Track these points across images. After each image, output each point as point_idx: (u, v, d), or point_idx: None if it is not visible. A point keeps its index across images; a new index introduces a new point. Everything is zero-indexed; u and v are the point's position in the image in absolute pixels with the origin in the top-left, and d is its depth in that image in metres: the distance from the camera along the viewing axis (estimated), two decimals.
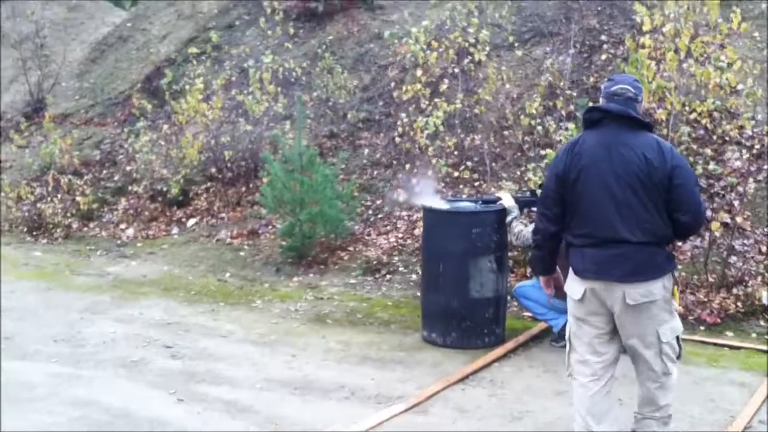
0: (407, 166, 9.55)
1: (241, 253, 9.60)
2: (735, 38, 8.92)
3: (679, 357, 4.37)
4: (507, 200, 6.72)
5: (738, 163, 7.90)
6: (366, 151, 10.49)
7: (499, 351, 6.47)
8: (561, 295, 5.00)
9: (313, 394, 5.75)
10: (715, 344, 6.56)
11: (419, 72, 10.05)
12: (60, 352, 6.68)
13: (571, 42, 10.03)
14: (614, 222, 4.15)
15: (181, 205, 11.00)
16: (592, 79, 9.53)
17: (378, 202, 9.82)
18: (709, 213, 7.07)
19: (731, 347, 6.50)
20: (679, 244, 7.28)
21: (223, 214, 10.56)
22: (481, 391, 5.78)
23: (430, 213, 6.90)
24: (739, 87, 8.23)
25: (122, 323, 7.45)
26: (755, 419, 5.22)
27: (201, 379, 6.07)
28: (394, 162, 10.07)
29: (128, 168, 11.64)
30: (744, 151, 8.08)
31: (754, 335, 6.73)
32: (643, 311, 4.19)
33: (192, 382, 6.01)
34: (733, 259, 7.35)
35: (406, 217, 9.41)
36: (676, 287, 4.32)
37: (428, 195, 7.23)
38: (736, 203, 7.56)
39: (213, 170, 10.93)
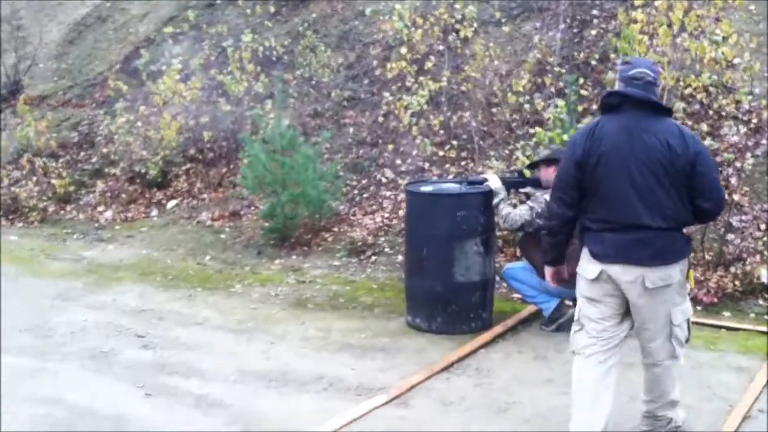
0: (390, 147, 9.26)
1: (222, 236, 9.31)
2: (730, 11, 8.63)
3: (687, 341, 4.37)
4: (494, 181, 6.44)
5: (735, 138, 7.64)
6: (351, 130, 10.19)
7: (487, 336, 6.20)
8: (566, 284, 4.86)
9: (290, 387, 5.46)
10: (712, 326, 6.32)
11: (404, 49, 9.77)
12: (25, 344, 6.37)
13: (560, 17, 9.73)
14: (636, 208, 4.12)
15: (161, 187, 10.72)
16: (582, 55, 9.23)
17: (363, 181, 9.54)
18: None
19: (729, 329, 6.26)
20: None
21: (204, 196, 10.29)
22: (467, 380, 5.50)
23: (413, 195, 6.63)
24: (736, 61, 7.98)
25: (94, 310, 7.16)
26: (754, 408, 4.96)
27: (172, 371, 5.77)
28: (380, 141, 9.79)
29: (106, 150, 11.36)
30: (741, 126, 7.83)
31: (752, 315, 6.50)
32: (659, 294, 4.17)
33: (162, 374, 5.72)
34: (730, 236, 7.12)
35: (392, 197, 9.15)
36: (690, 270, 4.32)
37: None
38: (733, 179, 7.30)
39: (193, 151, 10.66)
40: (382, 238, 8.56)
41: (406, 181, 8.19)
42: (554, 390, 5.24)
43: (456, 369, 5.67)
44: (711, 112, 8.07)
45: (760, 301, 6.64)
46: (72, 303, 7.43)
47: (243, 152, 9.36)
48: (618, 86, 4.32)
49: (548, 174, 6.27)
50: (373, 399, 5.16)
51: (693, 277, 4.50)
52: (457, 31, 9.81)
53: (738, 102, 7.97)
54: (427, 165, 9.10)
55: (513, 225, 6.20)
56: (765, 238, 7.13)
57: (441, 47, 9.94)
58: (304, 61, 11.10)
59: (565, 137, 7.20)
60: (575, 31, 9.66)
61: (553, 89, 8.86)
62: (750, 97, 7.95)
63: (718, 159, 7.42)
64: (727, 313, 6.52)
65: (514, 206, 6.39)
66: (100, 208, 10.73)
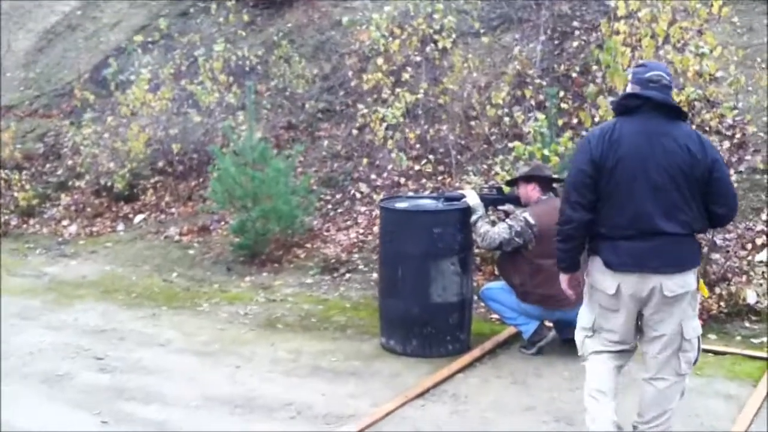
0: (365, 161, 9.01)
1: (190, 251, 9.01)
2: (714, 24, 8.49)
3: (695, 362, 4.27)
4: (471, 198, 6.17)
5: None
6: (326, 142, 9.94)
7: (464, 360, 5.93)
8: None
9: (256, 414, 5.16)
10: None
11: (380, 60, 9.53)
12: None
13: (541, 28, 9.54)
14: (653, 214, 4.03)
15: (128, 201, 10.44)
16: (563, 67, 9.05)
17: (338, 196, 9.27)
18: None
19: (716, 353, 6.00)
20: None
21: (173, 210, 10.00)
22: (442, 407, 5.21)
23: (387, 212, 6.35)
24: (719, 74, 7.81)
25: (53, 331, 6.85)
26: None
27: (130, 396, 5.45)
28: (355, 154, 9.53)
29: (72, 162, 11.06)
30: (725, 141, 7.67)
31: (738, 338, 6.25)
32: (677, 303, 4.11)
33: (120, 399, 5.40)
34: (714, 255, 6.91)
35: (367, 212, 8.88)
36: (701, 280, 4.23)
37: None
38: None
39: (162, 163, 10.37)
40: (357, 255, 8.28)
41: (381, 197, 7.92)
42: (534, 418, 4.99)
43: (431, 395, 5.39)
44: (694, 127, 7.83)
45: (746, 323, 6.41)
46: (31, 322, 7.12)
47: (213, 165, 9.06)
48: (633, 88, 4.19)
49: (527, 191, 6.06)
50: (342, 428, 4.87)
51: (704, 285, 4.35)
52: (436, 42, 9.61)
53: (722, 116, 7.80)
54: (402, 180, 8.88)
55: (491, 244, 5.94)
56: (749, 258, 6.91)
57: (418, 58, 9.73)
58: (278, 72, 10.86)
59: (546, 152, 6.99)
60: (556, 42, 9.47)
61: (533, 102, 8.67)
62: (735, 111, 7.76)
63: None
64: (712, 336, 6.26)
65: (493, 224, 6.14)
66: (65, 222, 10.44)
